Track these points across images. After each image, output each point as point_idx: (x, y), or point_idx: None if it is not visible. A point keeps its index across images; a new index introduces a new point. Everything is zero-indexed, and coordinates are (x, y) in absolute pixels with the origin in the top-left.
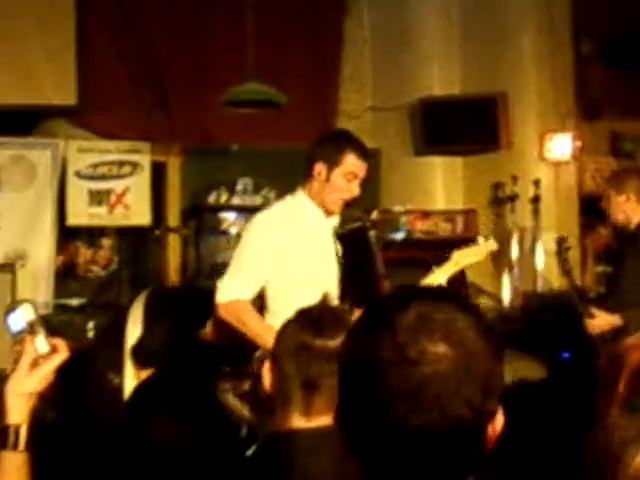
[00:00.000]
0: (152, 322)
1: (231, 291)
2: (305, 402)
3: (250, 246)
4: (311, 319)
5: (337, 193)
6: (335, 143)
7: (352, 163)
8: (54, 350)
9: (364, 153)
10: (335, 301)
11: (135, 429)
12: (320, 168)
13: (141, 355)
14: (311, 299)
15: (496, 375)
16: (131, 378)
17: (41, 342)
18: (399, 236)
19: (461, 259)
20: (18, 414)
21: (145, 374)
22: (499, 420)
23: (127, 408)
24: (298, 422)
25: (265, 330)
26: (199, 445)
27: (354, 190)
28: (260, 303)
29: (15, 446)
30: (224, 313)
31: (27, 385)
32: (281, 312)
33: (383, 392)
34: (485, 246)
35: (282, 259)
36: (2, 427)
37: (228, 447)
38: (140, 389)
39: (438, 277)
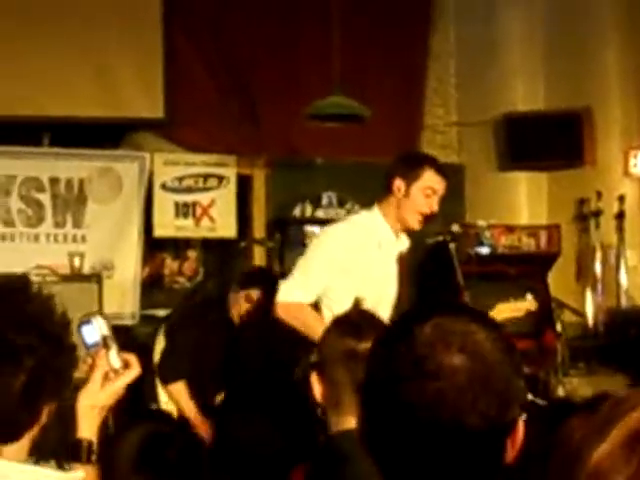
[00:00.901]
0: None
1: (292, 293)
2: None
3: (316, 255)
4: (350, 325)
5: (416, 208)
6: (414, 159)
7: (430, 178)
8: (126, 366)
9: (442, 170)
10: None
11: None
12: (399, 183)
13: (165, 370)
14: None
15: (514, 387)
16: (165, 401)
17: (114, 357)
18: (483, 251)
19: (500, 313)
20: (89, 428)
21: (174, 388)
22: (519, 431)
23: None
24: (353, 426)
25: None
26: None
27: (433, 206)
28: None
29: (87, 460)
30: (282, 312)
31: (99, 399)
32: None
33: (401, 404)
34: (527, 304)
35: (343, 272)
36: (73, 441)
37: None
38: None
39: None
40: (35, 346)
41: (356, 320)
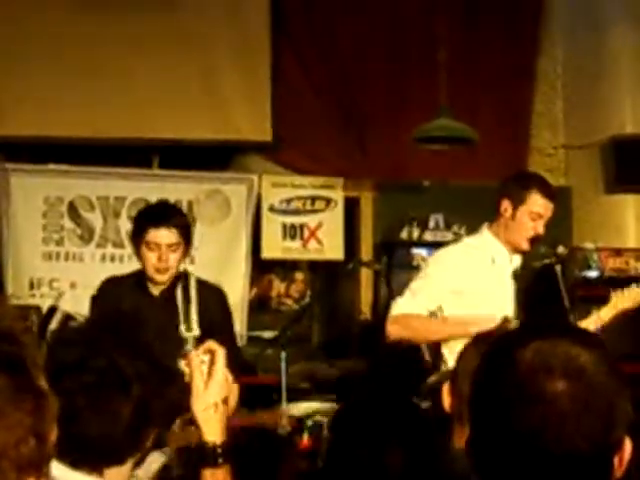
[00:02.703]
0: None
1: (402, 308)
2: None
3: (427, 278)
4: (488, 343)
5: (521, 231)
6: (522, 181)
7: (536, 202)
8: (211, 353)
9: (550, 193)
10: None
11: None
12: (506, 205)
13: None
14: None
15: (619, 407)
16: None
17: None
18: (591, 274)
19: (619, 303)
20: (210, 431)
21: None
22: (627, 450)
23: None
24: None
25: (437, 324)
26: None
27: (539, 229)
28: None
29: (214, 463)
30: (392, 324)
31: (208, 398)
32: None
33: (505, 428)
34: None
35: (455, 294)
36: (199, 446)
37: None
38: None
39: (593, 322)
40: (144, 374)
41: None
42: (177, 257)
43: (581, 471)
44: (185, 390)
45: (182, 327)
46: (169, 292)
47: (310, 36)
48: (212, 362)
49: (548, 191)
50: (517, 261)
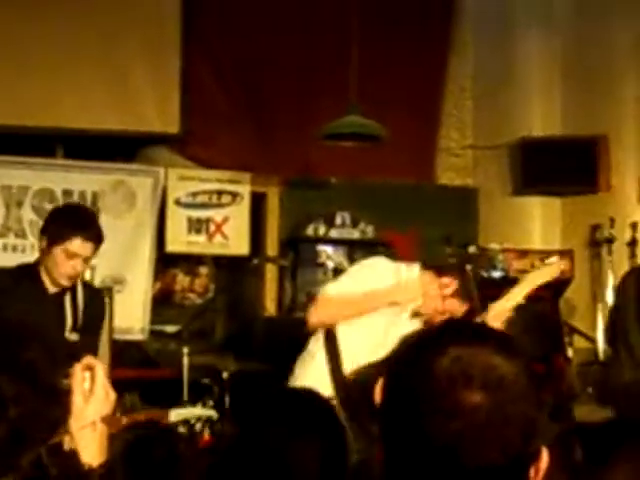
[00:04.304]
0: None
1: (327, 292)
2: None
3: (348, 275)
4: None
5: None
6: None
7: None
8: (90, 369)
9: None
10: None
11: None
12: None
13: None
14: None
15: (537, 419)
16: None
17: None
18: (496, 274)
19: (534, 279)
20: (88, 452)
21: None
22: (543, 461)
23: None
24: None
25: (366, 295)
26: None
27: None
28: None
29: None
30: (320, 307)
31: (87, 415)
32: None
33: (419, 439)
34: (556, 265)
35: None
36: (74, 467)
37: None
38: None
39: (515, 297)
40: (24, 394)
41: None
42: (87, 266)
43: None
44: (67, 410)
45: (68, 332)
46: (61, 293)
47: (220, 30)
48: (92, 379)
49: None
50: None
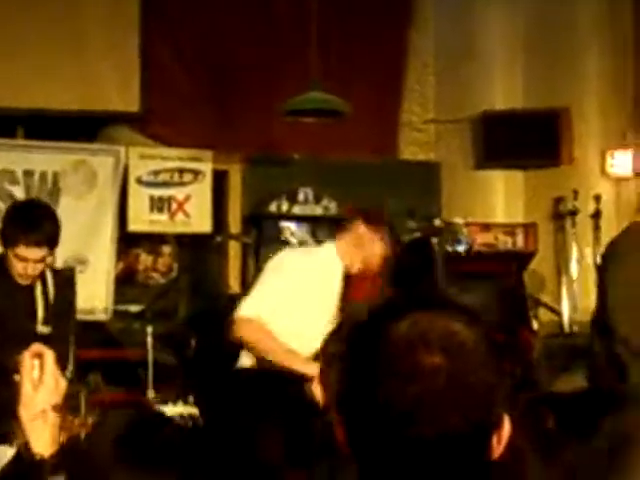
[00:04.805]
0: None
1: (248, 310)
2: None
3: (266, 284)
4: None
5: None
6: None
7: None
8: (40, 357)
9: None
10: None
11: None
12: (359, 223)
13: None
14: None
15: (498, 385)
16: None
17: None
18: (460, 248)
19: None
20: (39, 442)
21: None
22: (505, 430)
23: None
24: None
25: (289, 353)
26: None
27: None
28: None
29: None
30: (244, 329)
31: (37, 404)
32: None
33: (378, 406)
34: None
35: (291, 301)
36: (25, 458)
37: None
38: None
39: None
40: None
41: None
42: (44, 264)
43: (458, 451)
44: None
45: (40, 325)
46: (31, 285)
47: (180, 8)
48: (42, 366)
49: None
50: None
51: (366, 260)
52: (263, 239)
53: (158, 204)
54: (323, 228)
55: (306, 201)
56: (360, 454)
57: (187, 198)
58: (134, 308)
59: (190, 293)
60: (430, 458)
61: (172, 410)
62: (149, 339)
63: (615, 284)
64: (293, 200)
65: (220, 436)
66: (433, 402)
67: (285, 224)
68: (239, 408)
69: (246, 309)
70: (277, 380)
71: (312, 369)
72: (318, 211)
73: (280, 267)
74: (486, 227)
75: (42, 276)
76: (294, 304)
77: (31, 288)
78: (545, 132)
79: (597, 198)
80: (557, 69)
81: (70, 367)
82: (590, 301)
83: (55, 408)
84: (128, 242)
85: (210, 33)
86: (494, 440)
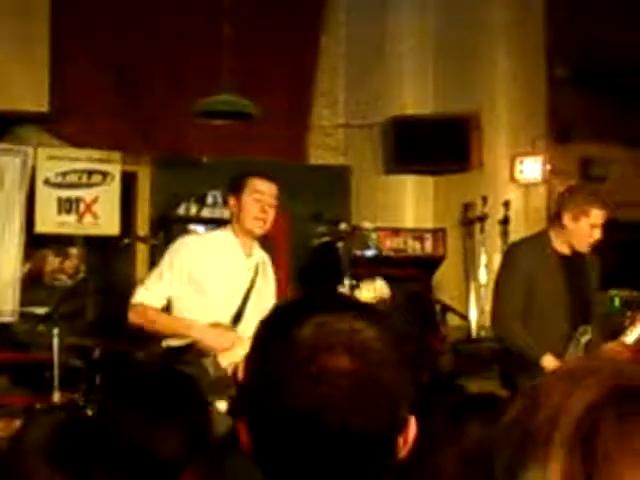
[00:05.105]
0: None
1: (141, 297)
2: None
3: (164, 267)
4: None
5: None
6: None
7: (256, 186)
8: None
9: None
10: None
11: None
12: (232, 201)
13: None
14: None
15: (404, 386)
16: None
17: None
18: (368, 253)
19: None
20: None
21: None
22: (411, 430)
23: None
24: None
25: (167, 319)
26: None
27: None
28: None
29: None
30: (131, 311)
31: None
32: None
33: (284, 409)
34: (379, 290)
35: (192, 283)
36: None
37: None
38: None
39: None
40: None
41: None
42: None
43: (365, 451)
44: None
45: None
46: None
47: (91, 7)
48: None
49: (266, 175)
50: (259, 254)
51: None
52: (171, 241)
53: (66, 206)
54: None
55: (215, 204)
56: (264, 455)
57: (95, 200)
58: (41, 310)
59: (97, 295)
60: (336, 459)
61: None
62: (55, 341)
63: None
64: (202, 203)
65: (117, 435)
66: (339, 403)
67: (193, 227)
68: (134, 406)
69: (134, 297)
70: (175, 376)
71: (196, 332)
72: (226, 214)
73: (174, 248)
74: (395, 232)
75: None
76: (197, 280)
77: None
78: (455, 138)
79: (506, 204)
80: (468, 74)
81: None
82: None
83: None
84: (35, 244)
85: (121, 34)
86: (400, 441)
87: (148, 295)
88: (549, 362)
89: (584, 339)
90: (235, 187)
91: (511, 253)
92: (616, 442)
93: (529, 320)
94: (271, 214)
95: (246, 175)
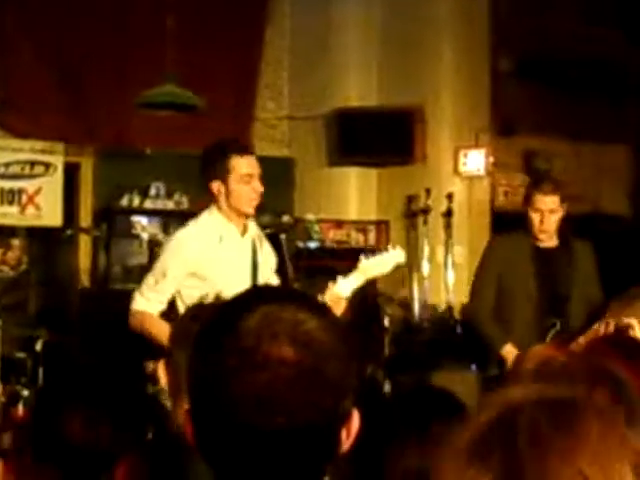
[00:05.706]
0: None
1: (139, 304)
2: None
3: (162, 267)
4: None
5: (242, 198)
6: (216, 155)
7: (241, 164)
8: None
9: (246, 149)
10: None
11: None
12: (217, 186)
13: None
14: None
15: (348, 377)
16: None
17: None
18: (312, 245)
19: (368, 270)
20: None
21: None
22: (354, 422)
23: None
24: None
25: (165, 328)
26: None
27: (257, 188)
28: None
29: None
30: (131, 318)
31: None
32: None
33: (229, 398)
34: (393, 257)
35: (194, 278)
36: None
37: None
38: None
39: (343, 288)
40: None
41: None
42: None
43: (307, 442)
44: None
45: None
46: None
47: (35, 1)
48: None
49: (243, 148)
50: (253, 229)
51: None
52: (114, 233)
53: (8, 196)
54: (175, 223)
55: (158, 195)
56: (207, 445)
57: (38, 191)
58: None
59: (40, 287)
60: (279, 449)
61: None
62: None
63: None
64: (145, 194)
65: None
66: (282, 392)
67: (136, 218)
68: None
69: (132, 303)
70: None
71: None
72: (170, 205)
73: (170, 248)
74: (338, 224)
75: None
76: (203, 276)
77: None
78: (398, 130)
79: (449, 197)
80: (412, 67)
81: None
82: (440, 298)
83: None
84: None
85: (65, 24)
86: (343, 434)
87: (143, 301)
88: (508, 352)
89: (550, 333)
90: (218, 172)
91: (489, 245)
92: None
93: (502, 312)
94: (261, 187)
95: (224, 155)
